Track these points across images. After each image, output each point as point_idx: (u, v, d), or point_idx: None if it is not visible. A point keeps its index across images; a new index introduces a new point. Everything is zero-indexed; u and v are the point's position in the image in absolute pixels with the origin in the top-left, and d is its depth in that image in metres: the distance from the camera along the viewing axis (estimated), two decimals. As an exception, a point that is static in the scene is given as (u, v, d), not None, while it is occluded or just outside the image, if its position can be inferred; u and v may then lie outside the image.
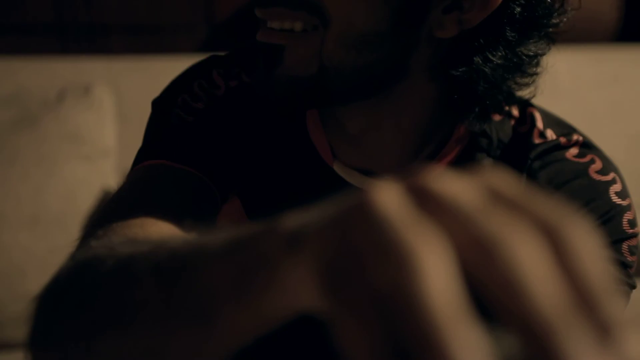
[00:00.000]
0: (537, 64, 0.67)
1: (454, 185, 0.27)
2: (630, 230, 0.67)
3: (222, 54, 0.75)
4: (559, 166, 0.69)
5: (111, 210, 0.62)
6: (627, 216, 0.67)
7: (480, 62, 0.63)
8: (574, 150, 0.70)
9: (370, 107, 0.67)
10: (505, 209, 0.26)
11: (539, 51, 0.66)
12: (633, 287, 0.67)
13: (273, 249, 0.33)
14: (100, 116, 1.54)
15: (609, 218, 0.67)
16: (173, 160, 0.67)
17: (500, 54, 0.63)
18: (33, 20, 1.77)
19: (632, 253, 0.67)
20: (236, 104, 0.72)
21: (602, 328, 0.23)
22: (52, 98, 1.53)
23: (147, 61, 1.66)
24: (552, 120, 0.73)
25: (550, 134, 0.71)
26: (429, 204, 0.26)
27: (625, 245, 0.67)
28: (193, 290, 0.40)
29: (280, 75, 0.64)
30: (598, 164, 0.69)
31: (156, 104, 0.73)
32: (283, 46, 0.63)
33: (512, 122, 0.73)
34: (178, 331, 0.41)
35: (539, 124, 0.72)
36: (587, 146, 0.71)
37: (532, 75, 0.67)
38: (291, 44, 0.62)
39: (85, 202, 1.49)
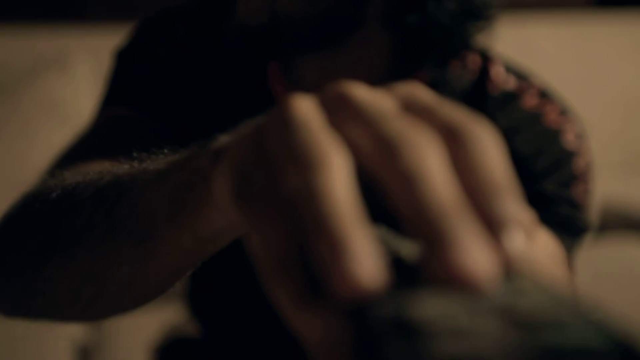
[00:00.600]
0: (492, 10, 0.67)
1: (366, 93, 0.27)
2: (583, 174, 0.68)
3: (184, 4, 0.76)
4: (515, 115, 0.70)
5: (71, 153, 0.63)
6: (580, 161, 0.68)
7: (433, 8, 0.63)
8: (530, 99, 0.71)
9: (325, 58, 0.67)
10: (413, 114, 0.27)
11: None
12: (584, 229, 0.68)
13: (203, 165, 0.34)
14: (78, 85, 1.54)
15: (561, 162, 0.68)
16: (134, 108, 0.68)
17: None
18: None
19: (583, 196, 0.68)
20: (197, 54, 0.72)
21: (494, 223, 0.24)
22: (30, 68, 1.53)
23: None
24: (511, 70, 0.74)
25: (507, 84, 0.72)
26: (339, 110, 0.27)
27: (576, 188, 0.68)
28: (132, 212, 0.40)
29: (233, 25, 0.64)
30: (554, 112, 0.70)
31: (117, 53, 0.74)
32: None
33: (471, 72, 0.73)
34: (119, 254, 0.42)
35: (498, 74, 0.72)
36: (544, 95, 0.72)
37: (487, 21, 0.68)
38: None
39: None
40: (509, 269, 0.24)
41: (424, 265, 0.23)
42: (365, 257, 0.23)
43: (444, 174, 0.24)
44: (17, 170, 1.46)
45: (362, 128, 0.26)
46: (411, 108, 0.27)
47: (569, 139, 0.69)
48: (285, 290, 0.25)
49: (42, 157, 1.56)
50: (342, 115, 0.27)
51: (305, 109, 0.27)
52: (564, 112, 0.71)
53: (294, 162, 0.25)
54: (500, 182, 0.25)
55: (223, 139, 0.34)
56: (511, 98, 0.71)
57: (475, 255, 0.22)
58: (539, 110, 0.70)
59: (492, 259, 0.23)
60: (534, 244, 0.25)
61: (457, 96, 0.72)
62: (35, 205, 0.50)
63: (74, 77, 1.54)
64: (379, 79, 0.69)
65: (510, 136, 0.68)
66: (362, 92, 0.28)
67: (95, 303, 0.47)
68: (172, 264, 0.41)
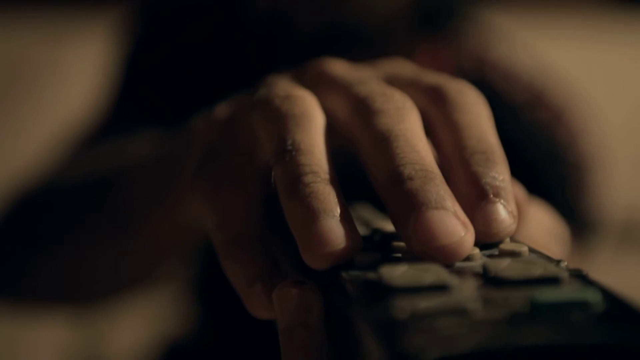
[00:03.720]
0: None
1: (344, 65, 0.28)
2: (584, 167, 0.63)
3: None
4: (512, 125, 0.62)
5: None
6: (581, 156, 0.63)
7: None
8: (541, 110, 0.63)
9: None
10: (396, 84, 0.26)
11: None
12: (587, 220, 0.62)
13: (181, 150, 0.34)
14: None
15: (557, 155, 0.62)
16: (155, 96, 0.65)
17: None
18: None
19: (583, 189, 0.63)
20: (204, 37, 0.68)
21: (478, 190, 0.23)
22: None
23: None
24: (514, 72, 0.65)
25: (513, 88, 0.64)
26: (316, 81, 0.27)
27: (574, 178, 0.62)
28: (116, 202, 0.42)
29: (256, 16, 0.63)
30: (552, 110, 0.63)
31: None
32: None
33: (468, 57, 0.65)
34: (103, 240, 0.44)
35: (503, 76, 0.64)
36: (546, 99, 0.64)
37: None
38: None
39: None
40: (493, 240, 0.23)
41: (397, 233, 0.22)
42: (342, 215, 0.22)
43: (417, 136, 0.23)
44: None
45: (338, 92, 0.26)
46: (394, 79, 0.27)
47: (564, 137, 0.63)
48: (242, 270, 0.24)
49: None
50: (319, 83, 0.27)
51: (282, 79, 0.28)
52: (565, 107, 0.64)
53: (273, 119, 0.25)
54: (487, 146, 0.24)
55: (198, 120, 0.33)
56: (517, 108, 0.63)
57: (448, 222, 0.21)
58: (540, 116, 0.63)
59: (468, 227, 0.21)
60: (525, 218, 0.26)
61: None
62: (29, 194, 0.52)
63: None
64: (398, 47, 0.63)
65: (514, 149, 0.61)
66: (339, 65, 0.28)
67: (83, 286, 0.49)
68: (155, 250, 0.42)
